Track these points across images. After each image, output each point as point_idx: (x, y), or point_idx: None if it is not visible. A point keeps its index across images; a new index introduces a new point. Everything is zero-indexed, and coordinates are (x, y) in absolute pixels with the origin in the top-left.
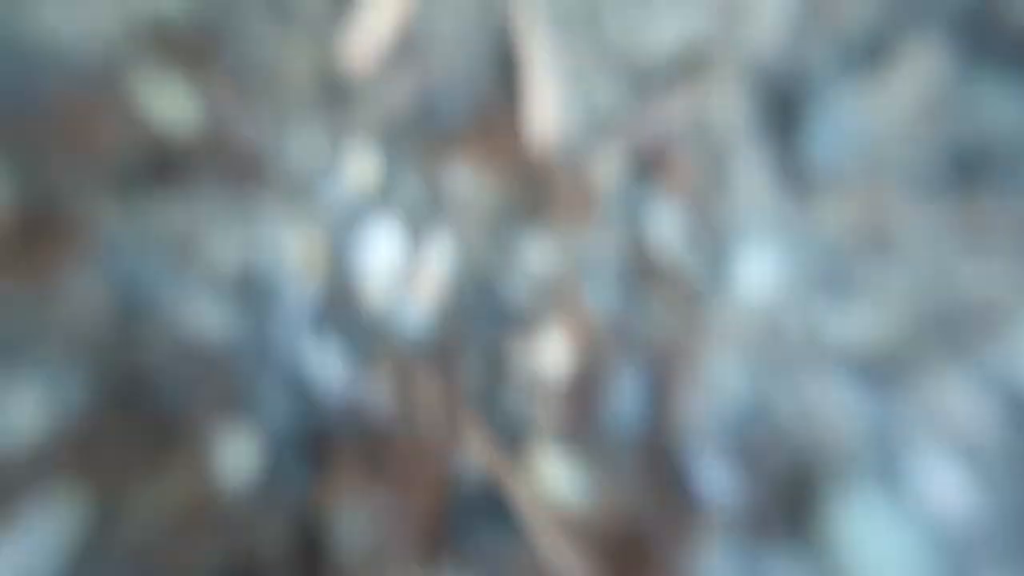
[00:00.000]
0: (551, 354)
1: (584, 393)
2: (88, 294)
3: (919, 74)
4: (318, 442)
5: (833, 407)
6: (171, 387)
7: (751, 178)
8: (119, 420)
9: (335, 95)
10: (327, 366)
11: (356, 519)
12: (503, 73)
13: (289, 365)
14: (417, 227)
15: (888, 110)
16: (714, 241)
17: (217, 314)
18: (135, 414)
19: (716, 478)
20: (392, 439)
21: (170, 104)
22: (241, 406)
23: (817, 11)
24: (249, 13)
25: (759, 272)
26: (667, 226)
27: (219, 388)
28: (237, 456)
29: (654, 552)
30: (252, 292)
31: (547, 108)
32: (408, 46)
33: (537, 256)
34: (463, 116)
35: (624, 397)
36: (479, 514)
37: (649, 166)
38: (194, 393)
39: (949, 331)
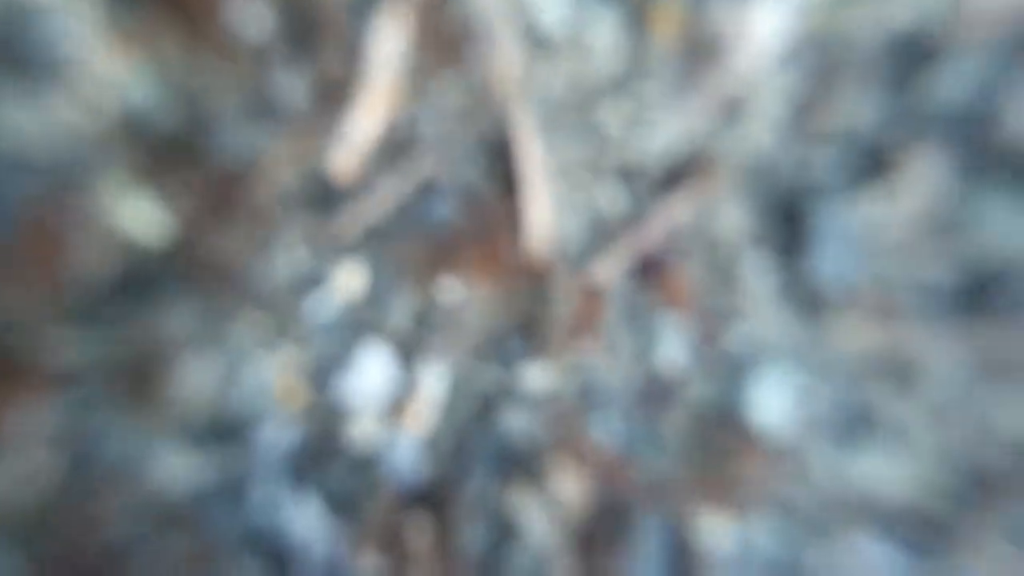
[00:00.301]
0: (560, 498)
1: (599, 543)
2: (37, 448)
3: (921, 186)
4: None
5: (866, 569)
6: (128, 559)
7: (759, 294)
8: None
9: (320, 201)
10: (306, 522)
11: None
12: (497, 178)
13: (264, 523)
14: (408, 349)
15: (893, 223)
16: (726, 365)
17: (185, 463)
18: None
19: None
20: None
21: (140, 213)
22: None
23: (812, 115)
24: (227, 110)
25: (777, 406)
26: (675, 347)
27: (184, 555)
28: None
29: None
30: (225, 433)
31: (544, 213)
32: (397, 148)
33: (539, 380)
34: (455, 223)
35: (643, 550)
36: None
37: (653, 277)
38: (155, 564)
39: (983, 483)
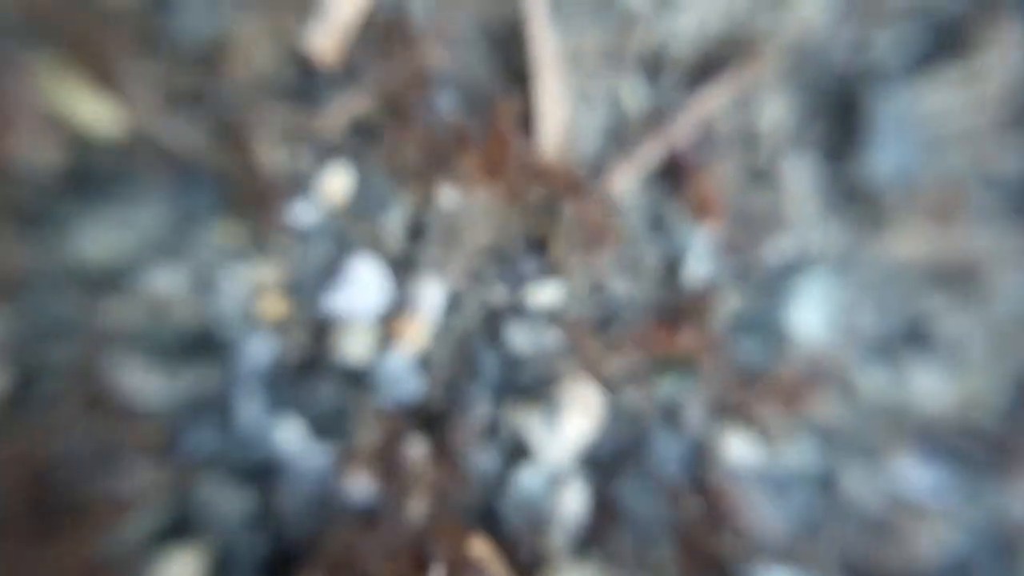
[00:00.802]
0: (571, 423)
1: (613, 464)
2: None
3: (998, 67)
4: (282, 558)
5: (917, 492)
6: (91, 484)
7: (803, 196)
8: (21, 534)
9: (299, 91)
10: (292, 441)
11: None
12: (505, 67)
13: (245, 447)
14: (402, 261)
15: (962, 110)
16: (762, 277)
17: (154, 378)
18: (41, 526)
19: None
20: (374, 546)
21: (87, 101)
22: (184, 507)
23: None
24: None
25: (818, 320)
26: (702, 259)
27: (153, 479)
28: None
29: None
30: (198, 347)
31: (557, 109)
32: (387, 30)
33: (550, 295)
34: (456, 119)
35: (661, 478)
36: None
37: (681, 181)
38: (121, 488)
39: None
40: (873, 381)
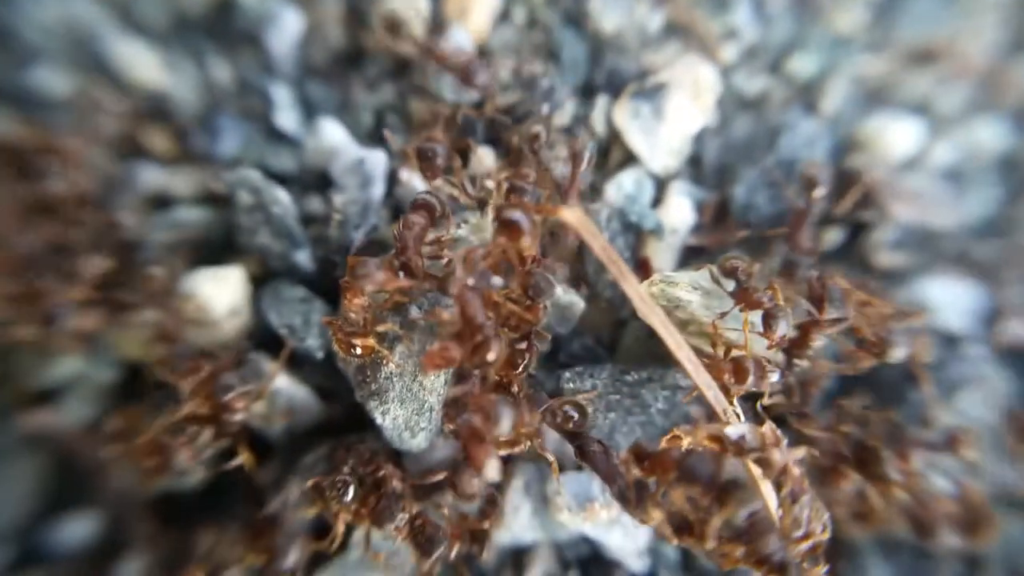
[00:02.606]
0: (677, 114)
1: (727, 171)
2: None
3: None
4: (331, 267)
5: None
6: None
7: None
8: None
9: None
10: (337, 145)
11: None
12: None
13: (285, 147)
14: None
15: None
16: None
17: (174, 63)
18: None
19: None
20: (441, 247)
21: None
22: (225, 216)
23: None
24: None
25: None
26: None
27: (185, 177)
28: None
29: None
30: (221, 28)
31: None
32: None
33: None
34: None
35: (789, 174)
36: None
37: None
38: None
39: None
40: None
